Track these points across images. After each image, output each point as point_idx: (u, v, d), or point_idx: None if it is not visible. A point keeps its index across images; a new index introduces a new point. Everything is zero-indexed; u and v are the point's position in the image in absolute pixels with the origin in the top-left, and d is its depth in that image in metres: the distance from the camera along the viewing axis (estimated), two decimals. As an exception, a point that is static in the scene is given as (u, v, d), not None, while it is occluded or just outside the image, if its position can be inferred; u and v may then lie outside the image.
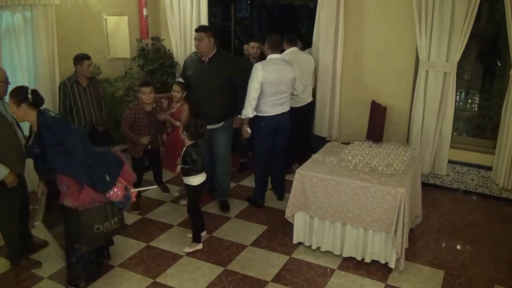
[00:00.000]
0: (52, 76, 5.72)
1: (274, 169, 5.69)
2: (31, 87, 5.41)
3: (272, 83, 5.08)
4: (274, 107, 5.22)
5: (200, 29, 5.11)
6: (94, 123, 5.49)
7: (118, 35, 6.60)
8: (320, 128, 6.48)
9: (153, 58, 6.90)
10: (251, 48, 6.24)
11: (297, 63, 5.49)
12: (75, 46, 5.90)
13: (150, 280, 4.16)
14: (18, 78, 5.38)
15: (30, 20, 5.38)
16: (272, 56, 5.22)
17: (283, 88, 5.19)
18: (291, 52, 5.90)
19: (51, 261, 4.41)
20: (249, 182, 6.21)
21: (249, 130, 5.32)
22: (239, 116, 5.23)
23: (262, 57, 5.81)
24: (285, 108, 5.34)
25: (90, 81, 5.47)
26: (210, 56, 5.11)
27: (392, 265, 4.21)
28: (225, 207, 5.49)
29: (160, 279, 4.18)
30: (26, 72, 5.47)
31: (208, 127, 4.87)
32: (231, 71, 5.14)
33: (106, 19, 6.53)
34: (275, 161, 5.61)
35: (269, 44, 5.25)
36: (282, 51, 5.62)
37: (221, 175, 5.47)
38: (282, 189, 5.75)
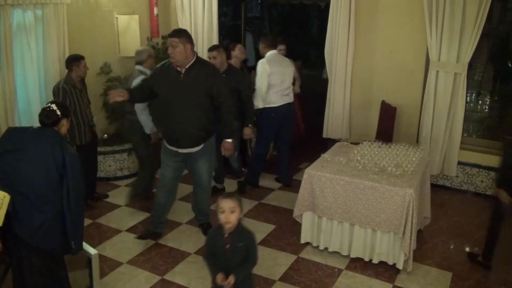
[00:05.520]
0: (63, 74, 5.73)
1: (280, 157, 6.11)
2: (41, 85, 5.55)
3: (278, 74, 5.58)
4: (282, 97, 5.69)
5: (173, 33, 4.23)
6: (91, 125, 5.30)
7: (129, 34, 6.64)
8: (332, 130, 6.42)
9: (163, 57, 6.88)
10: (208, 58, 5.29)
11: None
12: (86, 44, 5.94)
13: (158, 277, 4.18)
14: (29, 76, 5.42)
15: (41, 19, 5.42)
16: (271, 52, 5.71)
17: (287, 78, 5.70)
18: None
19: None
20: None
21: (252, 134, 5.72)
22: (227, 140, 4.53)
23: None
24: (291, 98, 5.83)
25: (83, 82, 5.22)
26: (187, 67, 4.24)
27: (400, 266, 4.20)
28: (208, 229, 4.70)
29: (167, 277, 4.20)
30: (36, 70, 5.50)
31: (184, 151, 4.44)
32: (212, 84, 4.28)
33: (117, 18, 6.57)
34: (281, 148, 6.05)
35: (266, 44, 5.75)
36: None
37: (203, 203, 4.87)
38: (289, 176, 6.12)
